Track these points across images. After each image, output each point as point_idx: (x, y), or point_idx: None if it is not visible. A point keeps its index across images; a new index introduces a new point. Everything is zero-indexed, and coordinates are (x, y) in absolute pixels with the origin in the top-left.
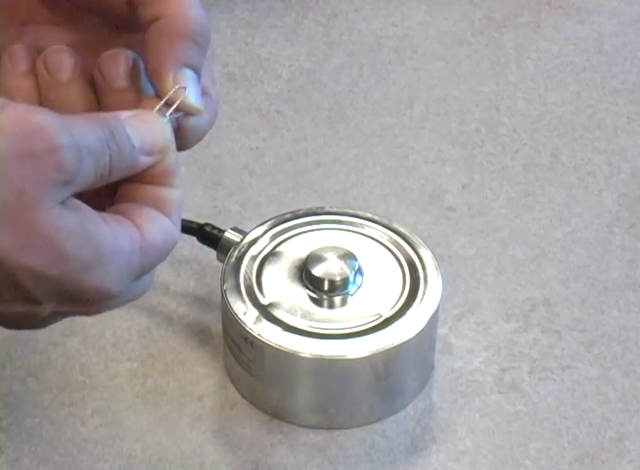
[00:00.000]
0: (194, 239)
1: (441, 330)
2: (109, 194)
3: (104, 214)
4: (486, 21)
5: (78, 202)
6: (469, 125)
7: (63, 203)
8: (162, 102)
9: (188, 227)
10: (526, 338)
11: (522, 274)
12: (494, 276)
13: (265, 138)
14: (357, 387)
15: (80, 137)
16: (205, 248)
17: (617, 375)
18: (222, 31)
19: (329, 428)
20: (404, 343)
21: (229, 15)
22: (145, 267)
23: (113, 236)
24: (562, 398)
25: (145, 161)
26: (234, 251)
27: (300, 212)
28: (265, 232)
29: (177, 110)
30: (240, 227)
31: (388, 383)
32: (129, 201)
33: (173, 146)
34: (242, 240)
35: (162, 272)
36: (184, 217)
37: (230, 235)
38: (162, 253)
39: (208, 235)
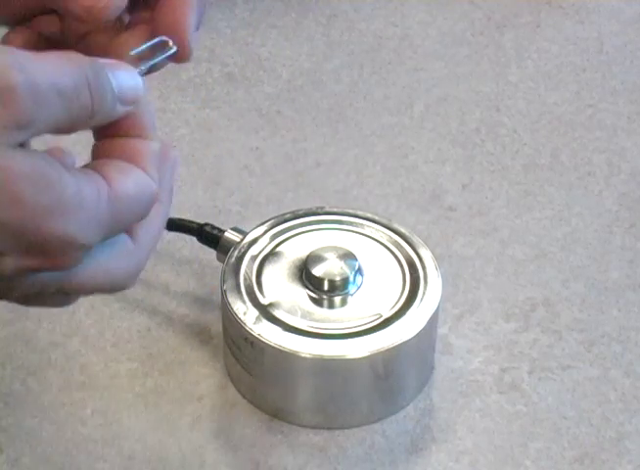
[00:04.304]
0: (194, 239)
1: (441, 330)
2: None
3: (68, 166)
4: (486, 21)
5: (38, 150)
6: (469, 125)
7: (19, 146)
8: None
9: (188, 227)
10: (526, 338)
11: (522, 274)
12: (494, 276)
13: (265, 138)
14: (357, 387)
15: (44, 77)
16: (205, 248)
17: (617, 375)
18: (222, 31)
19: (329, 428)
20: (404, 343)
21: (229, 15)
22: (117, 219)
23: (76, 183)
24: (562, 398)
25: (121, 110)
26: (234, 251)
27: (300, 212)
28: (265, 232)
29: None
30: (240, 227)
31: (388, 383)
32: (103, 157)
33: (147, 97)
34: (242, 240)
35: (163, 272)
36: (184, 217)
37: (230, 235)
38: (137, 205)
39: (208, 235)
